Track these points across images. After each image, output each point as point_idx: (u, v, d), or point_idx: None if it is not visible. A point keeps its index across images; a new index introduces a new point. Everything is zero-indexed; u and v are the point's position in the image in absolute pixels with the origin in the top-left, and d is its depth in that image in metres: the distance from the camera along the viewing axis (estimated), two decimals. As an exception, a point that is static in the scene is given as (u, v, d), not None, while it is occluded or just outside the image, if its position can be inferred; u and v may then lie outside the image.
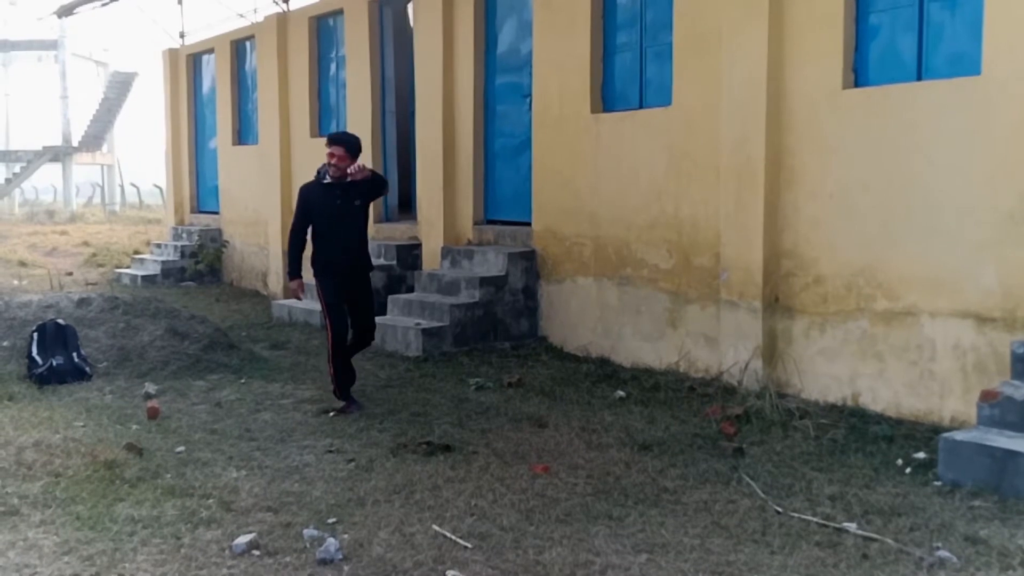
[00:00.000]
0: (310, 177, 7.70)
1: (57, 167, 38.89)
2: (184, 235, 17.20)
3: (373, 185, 7.60)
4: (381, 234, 12.42)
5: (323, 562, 4.52)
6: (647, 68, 9.12)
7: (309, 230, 7.57)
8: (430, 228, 11.43)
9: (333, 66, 14.04)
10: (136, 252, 19.34)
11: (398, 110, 12.95)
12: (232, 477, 5.80)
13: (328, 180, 7.44)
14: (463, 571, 4.43)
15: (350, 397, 7.50)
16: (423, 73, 11.59)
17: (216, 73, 16.96)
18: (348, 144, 7.50)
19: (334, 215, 7.46)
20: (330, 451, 6.36)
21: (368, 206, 7.75)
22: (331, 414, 7.29)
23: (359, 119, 12.95)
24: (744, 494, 5.45)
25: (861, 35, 7.32)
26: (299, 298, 7.99)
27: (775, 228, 7.70)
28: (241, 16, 16.91)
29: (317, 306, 11.69)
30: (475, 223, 11.02)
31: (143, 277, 16.34)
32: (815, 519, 5.01)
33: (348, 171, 7.38)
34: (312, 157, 13.97)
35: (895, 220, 6.96)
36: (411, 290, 10.98)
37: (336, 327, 7.47)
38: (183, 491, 5.53)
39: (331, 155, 7.41)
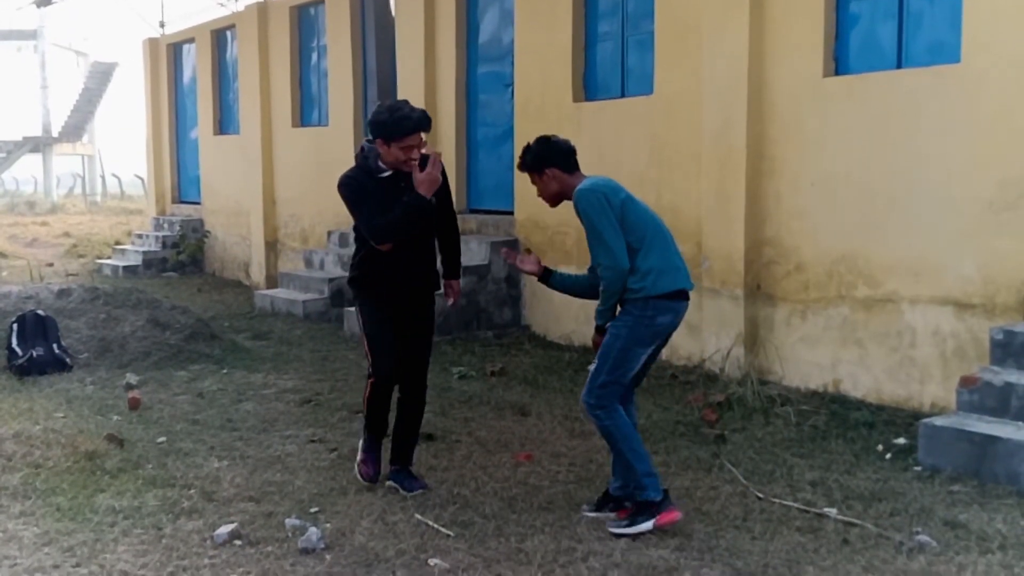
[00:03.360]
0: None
1: (37, 157, 38.70)
2: (165, 225, 17.11)
3: (442, 181, 5.28)
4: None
5: (305, 551, 4.51)
6: (628, 57, 9.13)
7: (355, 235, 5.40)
8: (413, 218, 11.40)
9: (314, 55, 13.97)
10: (117, 243, 19.22)
11: (380, 100, 12.90)
12: (214, 467, 5.78)
13: (387, 172, 5.15)
14: (445, 559, 4.43)
15: (375, 451, 5.47)
16: (405, 62, 11.56)
17: (197, 63, 16.87)
18: (431, 124, 5.22)
19: None
20: (312, 441, 6.35)
21: (451, 205, 5.57)
22: (356, 467, 5.51)
23: (341, 109, 12.91)
24: (726, 480, 5.47)
25: (842, 23, 7.34)
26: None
27: (757, 217, 7.72)
28: (222, 5, 16.82)
29: (299, 295, 11.77)
30: (458, 212, 10.95)
31: (124, 268, 16.25)
32: (796, 505, 5.04)
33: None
34: (293, 147, 13.96)
35: (875, 208, 6.99)
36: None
37: (380, 367, 5.32)
38: (164, 481, 5.51)
39: (409, 148, 5.05)
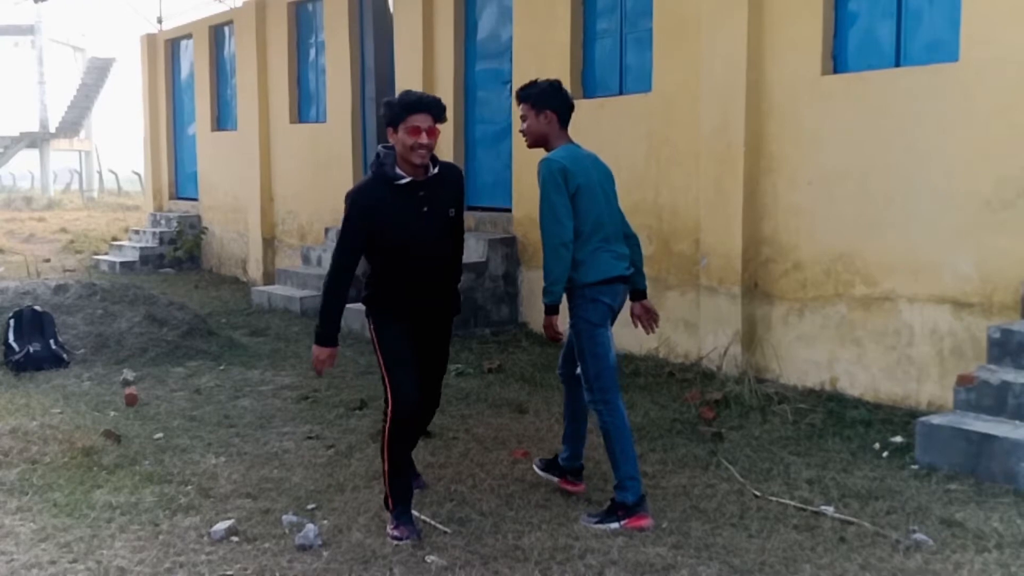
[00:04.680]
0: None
1: (34, 153, 38.67)
2: (163, 221, 17.08)
3: (460, 191, 5.01)
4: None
5: (302, 548, 4.51)
6: (627, 54, 9.12)
7: (360, 260, 4.95)
8: (410, 214, 11.39)
9: (312, 52, 13.95)
10: (114, 239, 19.21)
11: (378, 96, 12.86)
12: (211, 463, 5.78)
13: (406, 179, 4.72)
14: (442, 556, 4.43)
15: (407, 514, 4.72)
16: (403, 59, 11.54)
17: (195, 58, 16.84)
18: (443, 112, 4.73)
19: (418, 233, 4.73)
20: (309, 437, 6.35)
21: (462, 219, 5.08)
22: (390, 538, 4.62)
23: (339, 105, 12.89)
24: (723, 478, 5.47)
25: (840, 21, 7.33)
26: (320, 373, 4.97)
27: (755, 214, 7.73)
28: (220, 1, 16.80)
29: (297, 292, 11.75)
30: (455, 209, 10.97)
31: (121, 264, 16.23)
32: (793, 503, 5.04)
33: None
34: (291, 143, 13.94)
35: (873, 206, 6.99)
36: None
37: (402, 398, 4.70)
38: (161, 478, 5.50)
39: (416, 130, 4.61)
